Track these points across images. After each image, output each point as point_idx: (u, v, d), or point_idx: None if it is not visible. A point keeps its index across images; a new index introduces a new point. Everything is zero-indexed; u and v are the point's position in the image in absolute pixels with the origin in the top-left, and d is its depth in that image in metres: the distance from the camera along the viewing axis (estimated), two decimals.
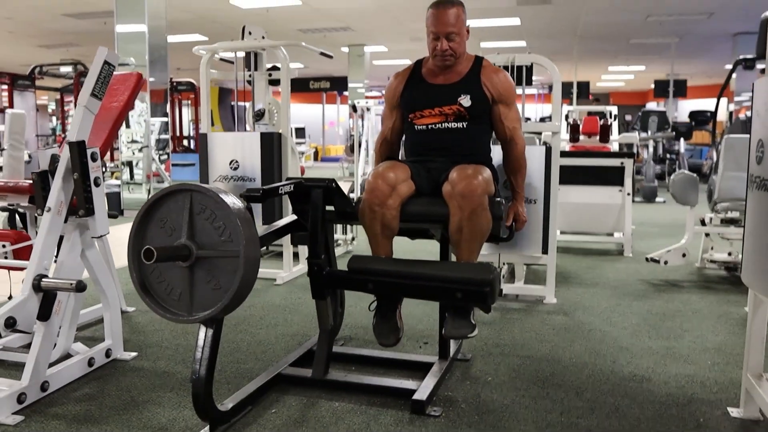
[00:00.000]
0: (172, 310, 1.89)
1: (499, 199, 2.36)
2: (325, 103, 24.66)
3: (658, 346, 2.87)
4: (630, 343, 2.91)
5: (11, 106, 11.16)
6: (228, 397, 2.22)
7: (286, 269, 4.24)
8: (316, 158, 21.32)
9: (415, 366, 2.56)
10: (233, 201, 1.85)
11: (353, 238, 5.29)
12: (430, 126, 2.51)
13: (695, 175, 4.15)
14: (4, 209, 2.99)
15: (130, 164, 7.96)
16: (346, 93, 17.28)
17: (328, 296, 2.34)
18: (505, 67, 3.61)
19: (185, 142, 15.08)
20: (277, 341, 2.95)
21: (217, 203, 1.85)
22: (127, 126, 8.45)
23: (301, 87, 20.48)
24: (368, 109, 8.36)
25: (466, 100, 2.46)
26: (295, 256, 4.48)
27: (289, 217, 2.44)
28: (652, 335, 3.02)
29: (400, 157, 2.74)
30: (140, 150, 7.92)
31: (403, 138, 2.68)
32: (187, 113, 15.23)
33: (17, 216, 3.21)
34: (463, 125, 2.48)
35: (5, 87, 11.25)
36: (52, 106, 19.74)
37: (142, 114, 7.96)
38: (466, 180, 2.17)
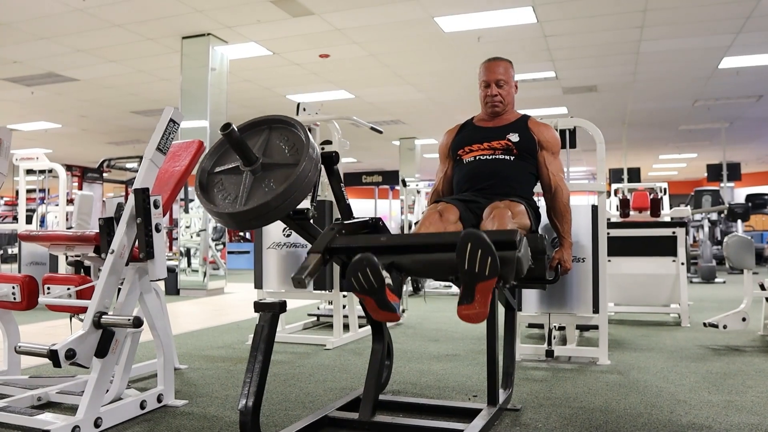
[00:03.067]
0: (223, 205, 2.05)
1: (541, 234, 2.39)
2: (377, 197, 25.14)
3: (719, 399, 2.75)
4: (688, 396, 2.80)
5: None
6: None
7: (336, 335, 4.26)
8: None
9: (463, 412, 2.52)
10: (309, 133, 2.06)
11: (404, 310, 5.29)
12: (477, 157, 2.61)
13: (750, 237, 4.07)
14: (69, 263, 3.15)
15: (188, 251, 8.22)
16: (397, 187, 17.65)
17: (327, 258, 2.13)
18: None
19: (241, 232, 15.50)
20: (326, 393, 2.95)
21: (292, 130, 2.08)
22: (186, 211, 8.84)
23: (354, 181, 20.98)
24: (418, 192, 8.54)
25: (514, 137, 2.58)
26: (345, 327, 4.51)
27: None
28: (712, 391, 2.90)
29: None
30: (198, 234, 8.21)
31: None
32: None
33: (82, 270, 3.38)
34: (510, 158, 2.57)
35: (76, 178, 11.94)
36: (121, 198, 20.69)
37: (201, 205, 8.30)
38: (496, 210, 2.24)
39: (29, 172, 6.37)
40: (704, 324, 4.01)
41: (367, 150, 17.03)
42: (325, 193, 4.68)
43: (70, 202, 9.04)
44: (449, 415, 2.55)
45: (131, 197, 2.53)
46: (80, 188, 11.87)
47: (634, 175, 13.79)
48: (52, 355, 2.22)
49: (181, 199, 10.61)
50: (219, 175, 2.14)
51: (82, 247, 2.86)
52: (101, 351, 2.37)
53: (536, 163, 2.64)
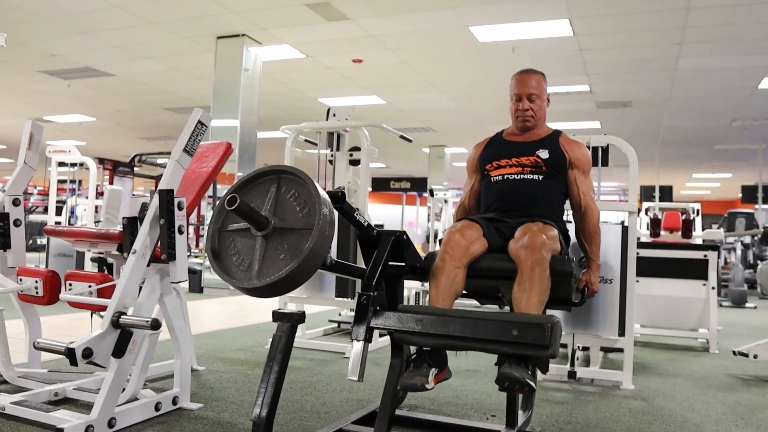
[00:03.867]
0: (239, 278, 1.91)
1: (568, 257, 2.32)
2: (405, 203, 25.08)
3: None
4: (714, 429, 2.70)
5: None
6: None
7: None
8: None
9: None
10: (319, 186, 1.92)
11: None
12: (506, 176, 2.54)
13: None
14: (93, 259, 3.16)
15: None
16: (425, 194, 17.58)
17: (370, 341, 2.11)
18: None
19: None
20: (342, 405, 2.92)
21: (304, 184, 1.91)
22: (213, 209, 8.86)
23: (382, 187, 20.95)
24: (446, 201, 8.49)
25: (544, 153, 2.51)
26: None
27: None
28: (740, 424, 2.80)
29: None
30: None
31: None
32: None
33: (105, 267, 3.39)
34: (539, 177, 2.50)
35: (108, 172, 12.10)
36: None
37: None
38: (530, 234, 2.16)
39: (61, 164, 6.45)
40: (734, 352, 3.88)
41: (396, 156, 17.02)
42: (352, 199, 4.66)
43: (100, 195, 9.19)
44: None
45: (155, 197, 2.53)
46: (111, 182, 12.03)
47: (666, 193, 13.56)
48: (70, 353, 2.22)
49: (209, 197, 10.71)
50: (230, 234, 1.98)
51: (105, 245, 2.87)
52: (119, 351, 2.36)
53: (566, 181, 2.57)
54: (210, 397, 2.93)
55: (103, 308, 2.48)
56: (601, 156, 3.69)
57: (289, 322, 2.07)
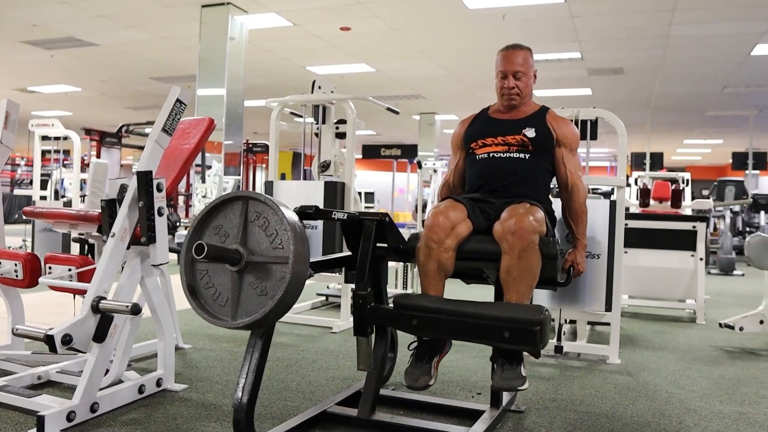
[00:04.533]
0: (217, 314, 1.90)
1: (554, 238, 2.29)
2: (395, 170, 25.02)
3: (731, 410, 2.66)
4: (699, 405, 2.72)
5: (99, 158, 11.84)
6: (271, 429, 2.19)
7: (344, 318, 4.21)
8: None
9: (465, 413, 2.46)
10: (287, 210, 1.87)
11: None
12: (491, 154, 2.49)
13: None
14: (76, 240, 3.12)
15: None
16: (416, 161, 17.52)
17: (370, 334, 2.26)
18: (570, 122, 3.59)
19: None
20: (327, 383, 2.91)
21: (271, 211, 1.87)
22: (203, 181, 8.82)
23: (373, 154, 20.88)
24: (435, 171, 8.43)
25: (530, 132, 2.46)
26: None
27: (345, 253, 2.43)
28: (723, 399, 2.81)
29: None
30: None
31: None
32: (261, 176, 15.71)
33: (87, 247, 3.35)
34: (525, 156, 2.45)
35: (94, 143, 11.97)
36: (136, 166, 20.79)
37: (217, 173, 8.28)
38: (516, 217, 2.12)
39: (45, 138, 6.35)
40: (720, 324, 3.90)
41: (386, 123, 16.88)
42: (338, 173, 4.61)
43: (86, 166, 9.08)
44: (451, 415, 2.49)
45: (133, 179, 2.48)
46: (98, 153, 11.90)
47: (657, 159, 13.55)
48: (48, 340, 2.18)
49: (197, 165, 10.61)
50: (205, 266, 1.94)
51: (85, 226, 2.82)
52: (99, 336, 2.33)
53: (553, 159, 2.52)
54: (195, 377, 2.92)
55: (83, 292, 2.44)
56: (590, 129, 3.64)
57: None
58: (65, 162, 7.30)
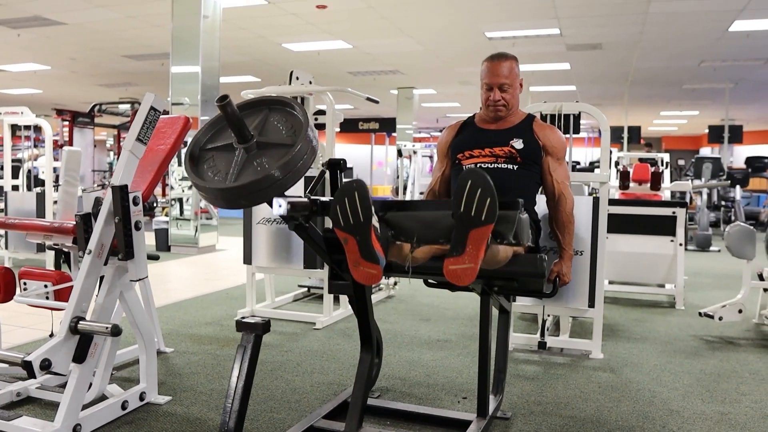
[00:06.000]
0: (211, 180, 1.95)
1: (540, 255, 2.26)
2: (373, 143, 24.89)
3: (712, 410, 2.69)
4: (681, 406, 2.75)
5: (71, 141, 11.57)
6: None
7: (326, 313, 4.19)
8: None
9: (452, 423, 2.46)
10: (307, 112, 2.00)
11: (396, 283, 5.23)
12: (478, 165, 2.45)
13: (752, 227, 3.97)
14: (50, 248, 3.04)
15: (180, 201, 8.13)
16: (394, 134, 17.45)
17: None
18: (552, 116, 3.56)
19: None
20: (313, 390, 2.89)
21: (293, 114, 2.00)
22: (179, 164, 8.68)
23: (351, 127, 20.72)
24: (415, 152, 8.39)
25: (518, 143, 2.42)
26: (336, 299, 4.44)
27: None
28: (705, 398, 2.85)
29: None
30: (190, 187, 8.08)
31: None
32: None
33: (63, 255, 3.27)
34: (513, 167, 2.42)
35: (66, 123, 11.69)
36: (110, 141, 20.43)
37: None
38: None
39: (15, 126, 6.16)
40: (699, 314, 3.95)
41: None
42: (318, 165, 4.53)
43: (61, 147, 8.88)
44: (438, 425, 2.49)
45: (108, 193, 2.40)
46: (70, 134, 11.63)
47: (634, 133, 13.60)
48: (27, 366, 2.13)
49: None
50: (211, 151, 2.03)
51: (59, 238, 2.74)
52: (79, 357, 2.28)
53: (540, 169, 2.49)
54: (179, 387, 2.88)
55: (61, 310, 2.38)
56: (573, 123, 3.61)
57: (253, 332, 2.00)
58: (36, 143, 7.10)
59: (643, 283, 5.20)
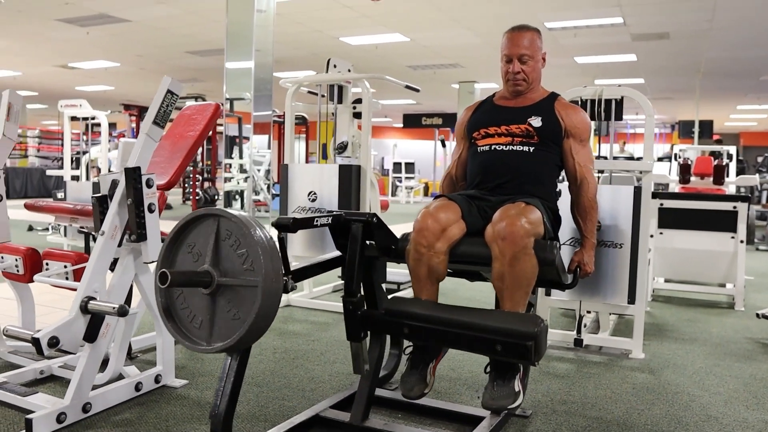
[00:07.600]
0: (193, 338, 1.83)
1: (552, 241, 2.12)
2: (437, 139, 24.69)
3: (756, 419, 2.48)
4: (721, 412, 2.54)
5: (137, 134, 11.97)
6: None
7: None
8: (426, 193, 21.32)
9: (465, 419, 2.35)
10: (258, 229, 1.77)
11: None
12: (493, 147, 2.33)
13: None
14: (80, 231, 3.10)
15: (241, 193, 8.21)
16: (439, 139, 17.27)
17: (363, 339, 2.18)
18: (593, 101, 3.38)
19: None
20: (331, 379, 2.83)
21: (241, 230, 1.77)
22: (240, 156, 8.86)
23: (414, 123, 20.62)
24: None
25: (536, 121, 2.29)
26: None
27: (334, 253, 2.33)
28: (750, 405, 2.63)
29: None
30: (245, 180, 8.18)
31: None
32: (297, 146, 15.69)
33: (92, 237, 3.33)
34: (529, 149, 2.29)
35: (133, 118, 12.10)
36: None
37: (259, 150, 8.30)
38: (507, 220, 1.96)
39: (74, 119, 6.38)
40: (757, 315, 3.68)
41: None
42: (356, 154, 4.48)
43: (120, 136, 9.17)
44: (450, 419, 2.39)
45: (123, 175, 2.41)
46: (137, 128, 12.02)
47: (706, 128, 12.95)
48: (35, 342, 2.15)
49: (235, 136, 10.64)
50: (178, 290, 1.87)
51: (83, 220, 2.78)
52: (90, 336, 2.30)
53: (561, 151, 2.34)
54: (197, 371, 2.87)
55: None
56: (614, 109, 3.41)
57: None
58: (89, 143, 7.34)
59: (702, 282, 4.91)
